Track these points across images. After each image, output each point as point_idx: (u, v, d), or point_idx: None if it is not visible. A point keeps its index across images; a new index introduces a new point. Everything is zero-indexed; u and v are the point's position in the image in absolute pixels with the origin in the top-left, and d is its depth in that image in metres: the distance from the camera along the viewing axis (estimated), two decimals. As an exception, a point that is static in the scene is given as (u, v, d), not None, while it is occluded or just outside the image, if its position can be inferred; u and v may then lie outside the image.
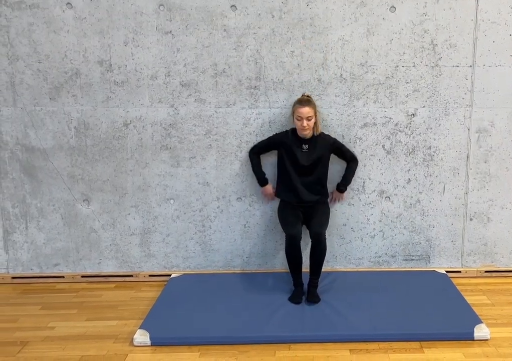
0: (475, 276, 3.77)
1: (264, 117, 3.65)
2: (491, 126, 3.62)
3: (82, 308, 3.48)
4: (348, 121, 3.63)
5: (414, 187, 3.71)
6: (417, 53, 3.54)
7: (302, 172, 3.48)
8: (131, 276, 3.91)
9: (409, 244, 3.80)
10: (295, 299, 3.32)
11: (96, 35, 3.56)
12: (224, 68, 3.60)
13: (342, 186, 3.60)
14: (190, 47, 3.57)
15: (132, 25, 3.55)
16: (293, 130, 3.56)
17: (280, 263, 3.84)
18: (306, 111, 3.40)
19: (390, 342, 2.90)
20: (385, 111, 3.61)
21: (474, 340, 2.88)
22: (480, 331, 2.88)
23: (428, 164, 3.68)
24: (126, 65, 3.61)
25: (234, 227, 3.81)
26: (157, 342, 2.99)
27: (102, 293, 3.72)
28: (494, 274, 3.77)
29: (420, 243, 3.79)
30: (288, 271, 3.58)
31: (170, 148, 3.72)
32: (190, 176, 3.76)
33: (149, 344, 2.99)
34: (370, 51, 3.54)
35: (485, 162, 3.67)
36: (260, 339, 2.96)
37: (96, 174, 3.75)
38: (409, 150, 3.67)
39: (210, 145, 3.71)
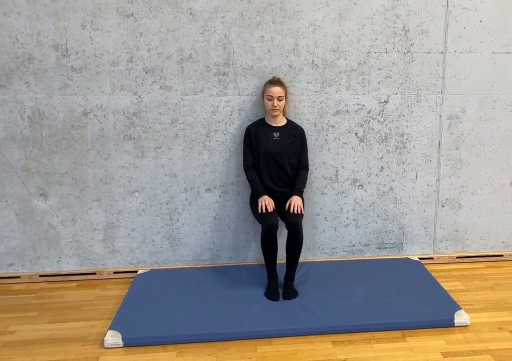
0: (447, 262, 3.89)
1: (234, 105, 3.59)
2: (462, 113, 3.70)
3: (44, 310, 3.35)
4: (321, 108, 3.63)
5: (387, 175, 3.76)
6: (389, 39, 3.56)
7: (273, 161, 3.45)
8: (94, 273, 3.79)
9: (382, 233, 3.86)
10: (272, 295, 3.28)
11: (51, 17, 3.39)
12: (191, 53, 3.51)
13: (298, 190, 3.46)
14: (153, 31, 3.46)
15: (89, 7, 3.39)
16: (263, 119, 3.55)
17: (252, 256, 3.82)
18: (277, 90, 3.38)
19: (372, 332, 2.95)
20: (358, 98, 3.63)
21: (454, 326, 2.96)
22: (460, 318, 2.97)
23: (400, 152, 3.73)
24: (84, 50, 3.46)
25: (204, 220, 3.75)
26: (129, 343, 2.91)
27: (64, 292, 3.59)
28: (465, 259, 3.90)
29: (393, 231, 3.86)
30: (261, 263, 3.60)
31: (134, 138, 3.60)
32: (156, 167, 3.66)
33: (121, 345, 2.91)
34: (342, 36, 3.54)
35: (456, 149, 3.76)
36: (239, 335, 2.94)
37: (53, 167, 3.59)
38: (382, 137, 3.71)
39: (177, 134, 3.62)
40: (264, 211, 3.30)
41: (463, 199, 3.83)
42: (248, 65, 3.55)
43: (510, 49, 3.61)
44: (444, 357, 2.68)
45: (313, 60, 3.56)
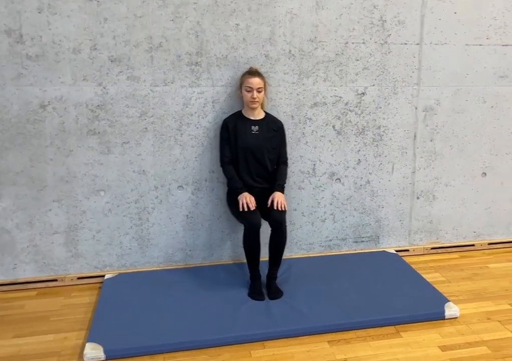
0: (422, 253, 4.01)
1: (207, 96, 3.48)
2: (437, 105, 3.80)
3: (5, 323, 3.11)
4: (298, 100, 3.59)
5: (364, 168, 3.80)
6: (367, 30, 3.58)
7: (252, 156, 3.38)
8: (55, 280, 3.57)
9: (359, 226, 3.90)
10: (257, 295, 3.23)
11: (2, -1, 3.15)
12: (161, 42, 3.36)
13: (279, 186, 3.41)
14: (119, 17, 3.27)
15: (46, -12, 3.18)
16: (240, 112, 3.47)
17: (227, 255, 3.75)
18: (256, 81, 3.32)
19: (365, 329, 2.97)
20: (335, 90, 3.63)
21: (445, 319, 3.04)
22: (450, 310, 3.06)
23: (377, 144, 3.78)
24: (41, 36, 3.21)
25: (175, 219, 3.62)
26: (112, 355, 2.76)
27: (24, 302, 3.36)
28: (439, 250, 4.03)
29: (370, 224, 3.91)
30: (237, 262, 3.61)
31: (99, 132, 3.41)
32: (123, 164, 3.48)
33: (103, 358, 2.75)
34: (320, 26, 3.51)
35: (431, 141, 3.86)
36: (231, 340, 2.86)
37: (7, 165, 3.33)
38: (359, 130, 3.73)
39: (146, 128, 3.46)
40: (246, 209, 3.24)
41: (437, 191, 3.94)
42: (222, 55, 3.44)
43: (483, 41, 3.74)
44: (442, 351, 2.75)
45: (290, 50, 3.51)
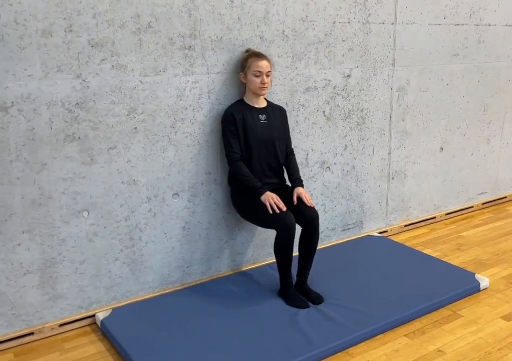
0: (398, 232, 4.27)
1: (202, 86, 3.15)
2: (407, 84, 4.04)
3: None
4: (292, 85, 3.47)
5: (350, 153, 3.86)
6: (351, 8, 3.61)
7: (265, 148, 3.20)
8: (31, 333, 2.90)
9: (346, 214, 3.98)
10: (301, 303, 3.09)
11: None
12: (150, 21, 2.90)
13: (299, 181, 3.31)
14: (100, -11, 2.74)
15: (0, -51, 2.48)
16: (242, 101, 3.23)
17: (225, 265, 3.48)
18: (266, 64, 3.16)
19: (425, 316, 3.07)
20: (325, 73, 3.59)
21: (479, 291, 3.31)
22: (483, 281, 3.35)
23: (360, 128, 3.87)
24: (-1, 15, 2.53)
25: (171, 233, 3.22)
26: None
27: (11, 370, 2.69)
28: (410, 227, 4.34)
29: (355, 210, 4.01)
30: (237, 271, 3.46)
31: (79, 138, 2.83)
32: (110, 175, 2.96)
33: None
34: (310, 4, 3.42)
35: (403, 120, 4.09)
36: (315, 357, 2.68)
37: (-45, 192, 2.57)
38: (346, 114, 3.77)
39: (136, 128, 2.98)
40: (277, 211, 3.04)
41: (407, 170, 4.22)
42: (217, 37, 3.13)
43: (441, 21, 4.08)
44: (507, 321, 3.02)
45: (283, 31, 3.36)
